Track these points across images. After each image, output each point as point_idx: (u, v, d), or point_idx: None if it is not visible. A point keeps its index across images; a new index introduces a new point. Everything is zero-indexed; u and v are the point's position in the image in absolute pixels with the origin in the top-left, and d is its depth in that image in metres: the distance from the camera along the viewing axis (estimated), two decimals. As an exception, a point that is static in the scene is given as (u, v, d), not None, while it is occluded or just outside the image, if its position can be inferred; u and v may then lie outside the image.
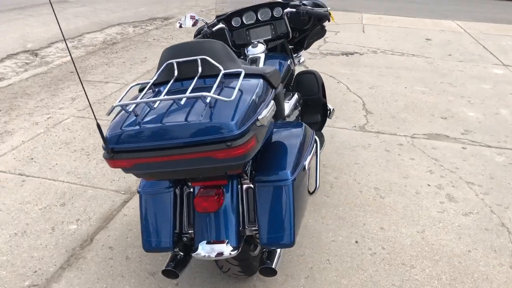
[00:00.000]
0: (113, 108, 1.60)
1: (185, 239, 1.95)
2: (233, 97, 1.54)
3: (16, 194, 3.10)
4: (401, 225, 2.77)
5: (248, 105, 1.62)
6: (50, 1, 1.33)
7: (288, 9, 2.86)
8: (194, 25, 2.84)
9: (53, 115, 4.40)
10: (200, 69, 1.76)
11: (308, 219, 2.81)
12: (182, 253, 1.99)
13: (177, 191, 1.93)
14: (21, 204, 2.99)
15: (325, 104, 3.14)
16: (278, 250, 1.97)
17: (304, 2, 2.93)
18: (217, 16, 2.99)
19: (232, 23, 2.99)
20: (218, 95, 1.58)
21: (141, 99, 1.64)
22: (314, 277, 2.36)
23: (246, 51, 2.84)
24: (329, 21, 2.90)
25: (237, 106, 1.59)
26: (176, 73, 1.78)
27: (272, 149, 2.00)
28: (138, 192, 1.95)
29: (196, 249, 1.83)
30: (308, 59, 6.20)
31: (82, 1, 11.02)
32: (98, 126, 1.51)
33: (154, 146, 1.55)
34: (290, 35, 2.95)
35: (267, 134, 1.84)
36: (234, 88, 1.63)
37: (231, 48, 2.80)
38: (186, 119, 1.55)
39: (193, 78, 1.73)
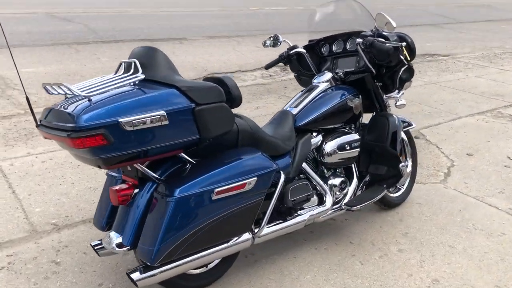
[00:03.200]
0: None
1: None
2: (91, 95, 1.73)
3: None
4: None
5: (114, 105, 1.72)
6: None
7: (358, 40, 2.66)
8: (274, 45, 2.97)
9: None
10: (132, 70, 1.90)
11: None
12: None
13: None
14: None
15: (396, 158, 2.77)
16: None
17: (386, 33, 2.68)
18: (309, 41, 2.95)
19: (322, 49, 2.96)
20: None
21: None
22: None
23: (313, 79, 2.78)
24: (401, 60, 2.64)
25: (102, 104, 1.72)
26: (118, 70, 1.97)
27: (202, 165, 2.03)
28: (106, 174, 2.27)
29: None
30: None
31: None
32: (27, 100, 1.86)
33: (46, 124, 1.80)
34: (373, 69, 2.71)
35: (159, 143, 1.82)
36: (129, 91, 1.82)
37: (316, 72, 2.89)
38: (66, 108, 1.74)
39: None
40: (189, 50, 7.70)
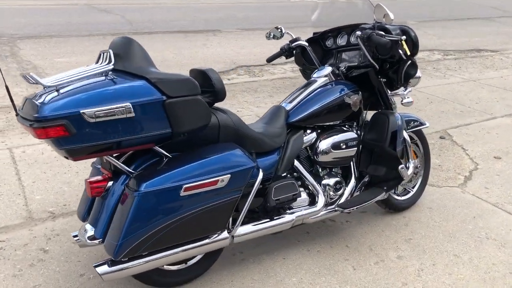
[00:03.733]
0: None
1: None
2: (49, 83, 1.72)
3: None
4: None
5: (78, 96, 1.70)
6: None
7: (357, 33, 2.51)
8: (276, 37, 2.85)
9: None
10: (106, 61, 1.88)
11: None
12: None
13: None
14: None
15: (395, 159, 2.57)
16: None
17: (388, 26, 2.51)
18: (314, 33, 2.82)
19: (327, 43, 2.83)
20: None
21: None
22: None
23: (313, 74, 2.66)
24: (401, 55, 2.47)
25: (67, 95, 1.70)
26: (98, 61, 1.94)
27: (175, 160, 1.97)
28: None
29: None
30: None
31: None
32: (7, 88, 1.83)
33: (21, 114, 1.77)
34: (375, 64, 2.54)
35: (126, 135, 1.78)
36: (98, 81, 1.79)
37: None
38: (37, 98, 1.72)
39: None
40: (221, 42, 7.67)
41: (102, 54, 1.93)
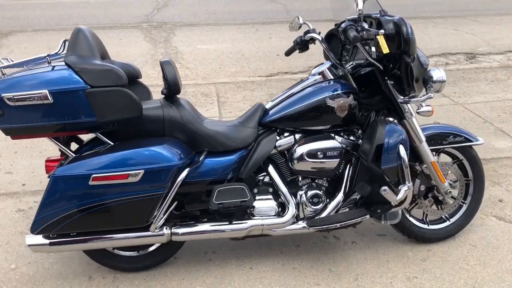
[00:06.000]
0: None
1: None
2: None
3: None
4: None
5: (6, 80, 1.87)
6: None
7: (342, 25, 2.23)
8: (294, 29, 2.53)
9: None
10: (61, 50, 2.06)
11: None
12: None
13: None
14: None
15: (380, 178, 2.16)
16: None
17: (383, 18, 2.14)
18: (335, 25, 2.49)
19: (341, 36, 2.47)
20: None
21: None
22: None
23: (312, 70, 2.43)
24: (374, 52, 2.11)
25: (4, 79, 1.89)
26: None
27: (107, 149, 2.02)
28: None
29: None
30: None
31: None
32: None
33: None
34: (375, 63, 2.16)
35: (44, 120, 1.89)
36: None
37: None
38: None
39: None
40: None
41: (63, 43, 2.09)
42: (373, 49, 2.14)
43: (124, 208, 1.99)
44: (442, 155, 2.48)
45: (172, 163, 1.98)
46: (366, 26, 2.10)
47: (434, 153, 2.39)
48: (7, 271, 2.34)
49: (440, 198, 2.43)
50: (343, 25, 2.17)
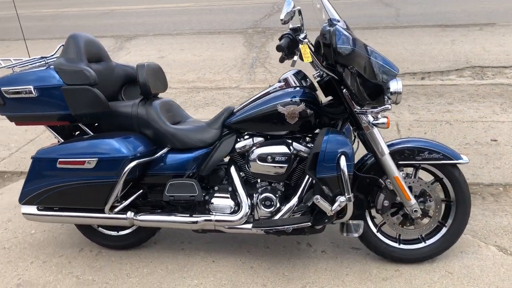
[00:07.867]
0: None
1: None
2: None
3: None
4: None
5: (7, 77, 2.31)
6: None
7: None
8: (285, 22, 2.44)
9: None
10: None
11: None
12: None
13: None
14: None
15: (316, 187, 2.17)
16: None
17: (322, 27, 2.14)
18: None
19: None
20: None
21: None
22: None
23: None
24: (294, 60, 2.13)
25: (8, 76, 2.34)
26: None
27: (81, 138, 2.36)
28: None
29: None
30: None
31: None
32: None
33: None
34: (325, 70, 2.16)
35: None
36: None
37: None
38: None
39: None
40: (477, 39, 6.61)
41: (59, 47, 2.50)
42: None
43: (83, 190, 2.30)
44: (425, 173, 2.32)
45: (122, 155, 2.23)
46: (302, 36, 2.10)
47: (402, 168, 2.25)
48: (27, 235, 2.84)
49: (413, 216, 2.27)
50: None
